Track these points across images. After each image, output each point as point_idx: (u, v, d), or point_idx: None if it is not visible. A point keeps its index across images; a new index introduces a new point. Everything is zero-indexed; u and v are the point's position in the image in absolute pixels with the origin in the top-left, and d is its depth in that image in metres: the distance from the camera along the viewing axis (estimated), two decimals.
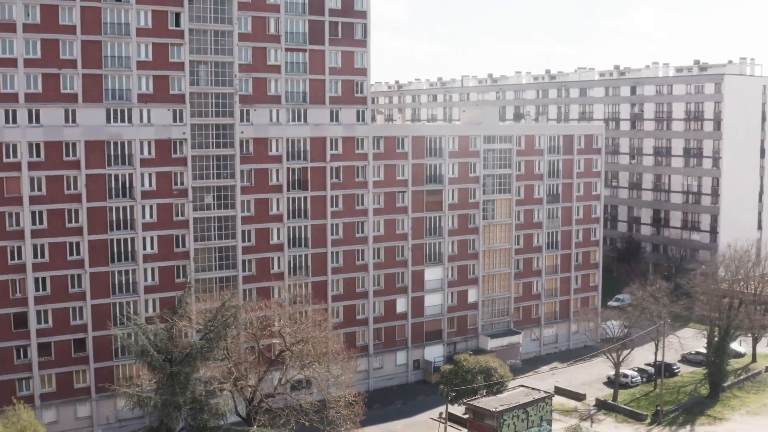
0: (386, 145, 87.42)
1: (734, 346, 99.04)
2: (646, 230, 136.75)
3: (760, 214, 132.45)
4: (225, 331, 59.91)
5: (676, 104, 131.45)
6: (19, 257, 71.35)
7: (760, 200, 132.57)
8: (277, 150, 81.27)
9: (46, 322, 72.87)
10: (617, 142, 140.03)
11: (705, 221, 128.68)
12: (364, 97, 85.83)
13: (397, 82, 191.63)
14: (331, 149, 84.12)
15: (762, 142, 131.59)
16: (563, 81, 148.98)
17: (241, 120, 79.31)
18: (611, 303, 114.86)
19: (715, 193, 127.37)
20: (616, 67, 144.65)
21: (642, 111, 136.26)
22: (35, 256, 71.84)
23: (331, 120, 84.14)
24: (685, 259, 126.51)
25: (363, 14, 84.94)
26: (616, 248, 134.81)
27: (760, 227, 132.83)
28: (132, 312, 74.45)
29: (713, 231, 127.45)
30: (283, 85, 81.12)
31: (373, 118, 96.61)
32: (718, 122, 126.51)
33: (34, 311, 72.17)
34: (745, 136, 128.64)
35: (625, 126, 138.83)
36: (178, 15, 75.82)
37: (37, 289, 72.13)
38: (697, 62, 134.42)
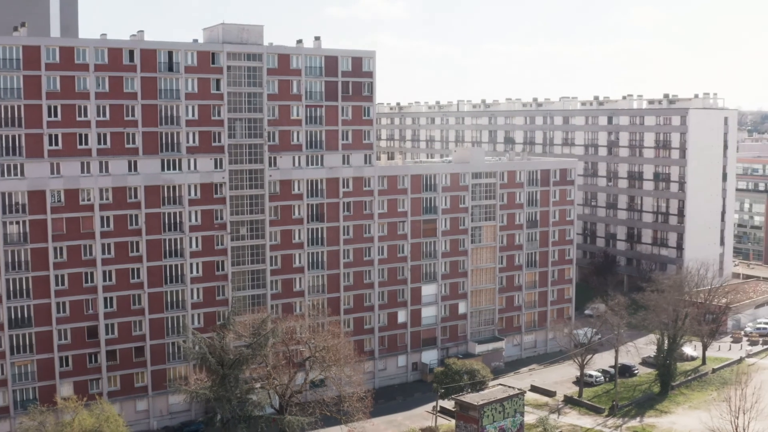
0: (389, 182, 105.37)
1: (689, 350, 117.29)
2: (621, 245, 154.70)
3: (722, 231, 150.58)
4: (266, 342, 77.88)
5: (647, 134, 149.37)
6: (92, 281, 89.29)
7: (723, 219, 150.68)
8: (298, 189, 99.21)
9: (113, 333, 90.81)
10: (596, 166, 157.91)
11: (672, 238, 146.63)
12: (371, 143, 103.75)
13: (398, 104, 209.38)
14: (343, 187, 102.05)
15: (724, 167, 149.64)
16: (548, 110, 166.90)
17: (270, 165, 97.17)
18: (587, 312, 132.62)
19: (680, 214, 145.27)
20: (596, 98, 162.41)
21: (617, 139, 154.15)
22: (104, 280, 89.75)
23: (343, 163, 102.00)
24: (654, 271, 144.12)
25: (369, 74, 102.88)
26: (594, 262, 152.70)
27: (722, 243, 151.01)
28: (181, 324, 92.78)
29: (679, 247, 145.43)
30: (303, 135, 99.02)
31: (378, 157, 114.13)
32: (683, 151, 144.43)
33: (103, 324, 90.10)
34: (708, 162, 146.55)
35: (602, 152, 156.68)
36: (218, 81, 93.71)
37: (105, 307, 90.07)
38: (666, 96, 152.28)
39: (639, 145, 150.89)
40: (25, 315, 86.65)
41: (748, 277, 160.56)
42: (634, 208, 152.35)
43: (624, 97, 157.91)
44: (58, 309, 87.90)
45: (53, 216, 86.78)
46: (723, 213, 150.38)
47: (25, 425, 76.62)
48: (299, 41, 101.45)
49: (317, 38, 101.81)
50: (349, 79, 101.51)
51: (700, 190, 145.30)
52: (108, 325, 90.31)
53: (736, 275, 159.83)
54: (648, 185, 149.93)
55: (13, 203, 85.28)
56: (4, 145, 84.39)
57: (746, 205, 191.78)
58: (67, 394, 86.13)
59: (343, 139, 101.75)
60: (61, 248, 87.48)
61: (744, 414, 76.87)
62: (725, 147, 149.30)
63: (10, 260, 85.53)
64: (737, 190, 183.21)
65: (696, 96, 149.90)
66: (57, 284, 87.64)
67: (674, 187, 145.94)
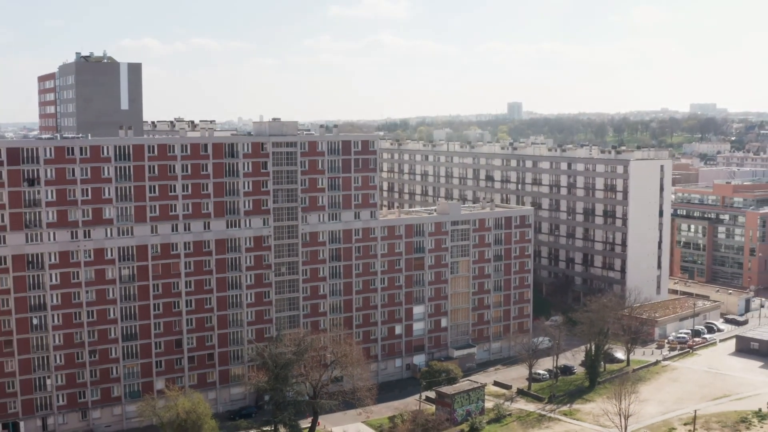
0: (389, 231, 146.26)
1: (619, 355, 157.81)
2: (578, 268, 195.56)
3: (659, 257, 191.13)
4: (305, 351, 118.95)
5: (598, 178, 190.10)
6: (178, 307, 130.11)
7: (659, 247, 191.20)
8: (323, 238, 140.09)
9: (192, 344, 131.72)
10: (558, 203, 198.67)
11: (617, 264, 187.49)
12: (375, 202, 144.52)
13: (397, 140, 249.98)
14: (355, 236, 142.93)
15: (660, 205, 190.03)
16: (521, 154, 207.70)
17: (302, 222, 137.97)
18: (548, 322, 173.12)
19: (623, 244, 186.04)
20: (560, 145, 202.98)
21: (575, 181, 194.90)
22: (186, 306, 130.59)
23: (355, 218, 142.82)
24: (604, 290, 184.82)
25: (374, 152, 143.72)
26: (555, 282, 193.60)
27: (659, 267, 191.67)
28: (239, 337, 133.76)
29: (622, 271, 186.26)
30: (326, 199, 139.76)
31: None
32: (625, 193, 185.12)
33: (186, 338, 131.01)
34: (647, 202, 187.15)
35: (564, 191, 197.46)
36: (265, 162, 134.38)
37: (187, 325, 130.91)
38: (614, 147, 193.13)
39: (592, 187, 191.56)
40: (133, 332, 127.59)
41: (684, 293, 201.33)
42: (588, 238, 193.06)
43: (582, 146, 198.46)
44: (155, 327, 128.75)
45: (152, 262, 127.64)
46: (660, 242, 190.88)
47: (142, 408, 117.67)
48: (322, 126, 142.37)
49: (336, 126, 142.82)
50: (359, 157, 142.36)
51: (640, 224, 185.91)
52: (189, 338, 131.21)
53: (674, 292, 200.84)
54: (599, 220, 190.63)
55: (126, 254, 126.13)
56: (119, 213, 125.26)
57: (699, 228, 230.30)
58: (161, 387, 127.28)
59: (354, 201, 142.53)
60: (157, 285, 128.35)
61: (626, 400, 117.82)
62: (661, 189, 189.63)
63: (123, 294, 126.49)
64: (690, 216, 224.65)
65: (638, 147, 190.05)
66: (154, 310, 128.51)
67: (619, 222, 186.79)
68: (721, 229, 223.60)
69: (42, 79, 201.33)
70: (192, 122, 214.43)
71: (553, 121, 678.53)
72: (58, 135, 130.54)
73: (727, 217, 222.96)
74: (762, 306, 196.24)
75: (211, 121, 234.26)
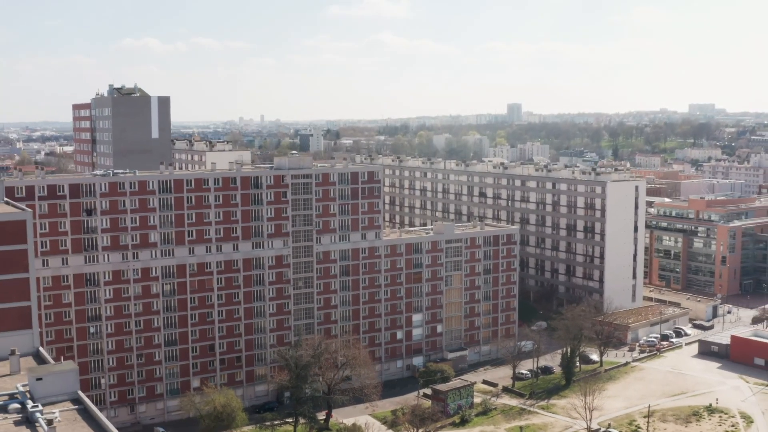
0: (391, 249, 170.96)
1: (594, 356, 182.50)
2: (561, 278, 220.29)
3: (634, 269, 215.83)
4: (321, 354, 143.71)
5: (579, 197, 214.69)
6: (211, 317, 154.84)
7: (635, 260, 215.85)
8: (334, 256, 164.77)
9: (223, 348, 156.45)
10: (545, 219, 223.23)
11: (596, 274, 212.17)
12: (379, 225, 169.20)
13: (398, 157, 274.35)
14: (362, 254, 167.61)
15: (635, 222, 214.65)
16: (511, 173, 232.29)
17: (316, 243, 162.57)
18: (533, 327, 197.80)
19: (601, 257, 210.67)
20: (545, 166, 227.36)
21: (559, 199, 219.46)
22: (218, 316, 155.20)
23: (362, 239, 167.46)
24: (583, 298, 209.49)
25: (378, 181, 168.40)
26: (540, 290, 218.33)
27: (634, 277, 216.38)
28: (262, 342, 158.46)
29: (601, 280, 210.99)
30: (337, 222, 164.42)
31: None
32: (603, 211, 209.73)
33: (218, 343, 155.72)
34: (623, 219, 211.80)
35: (549, 208, 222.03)
36: (285, 192, 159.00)
37: (219, 332, 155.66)
38: (593, 169, 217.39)
39: (574, 205, 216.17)
40: (174, 338, 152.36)
41: (658, 300, 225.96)
42: (571, 251, 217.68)
43: (566, 166, 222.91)
44: (191, 334, 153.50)
45: (190, 279, 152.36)
46: (635, 255, 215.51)
47: (183, 402, 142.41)
48: (332, 158, 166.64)
49: (345, 159, 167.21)
50: (365, 186, 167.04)
51: (617, 239, 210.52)
52: (220, 343, 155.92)
53: (648, 299, 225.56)
54: (580, 235, 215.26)
55: (168, 272, 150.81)
56: (162, 238, 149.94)
57: (676, 240, 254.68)
58: (197, 385, 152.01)
59: (361, 224, 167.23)
60: (194, 298, 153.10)
61: (591, 396, 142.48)
62: (636, 207, 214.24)
63: (165, 306, 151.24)
64: (668, 229, 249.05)
65: (616, 169, 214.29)
66: (191, 319, 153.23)
67: (597, 237, 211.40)
68: (696, 240, 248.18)
69: (77, 107, 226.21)
70: (210, 142, 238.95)
71: (550, 125, 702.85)
72: (111, 172, 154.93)
73: (700, 229, 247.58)
74: (729, 312, 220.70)
75: (227, 142, 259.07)
